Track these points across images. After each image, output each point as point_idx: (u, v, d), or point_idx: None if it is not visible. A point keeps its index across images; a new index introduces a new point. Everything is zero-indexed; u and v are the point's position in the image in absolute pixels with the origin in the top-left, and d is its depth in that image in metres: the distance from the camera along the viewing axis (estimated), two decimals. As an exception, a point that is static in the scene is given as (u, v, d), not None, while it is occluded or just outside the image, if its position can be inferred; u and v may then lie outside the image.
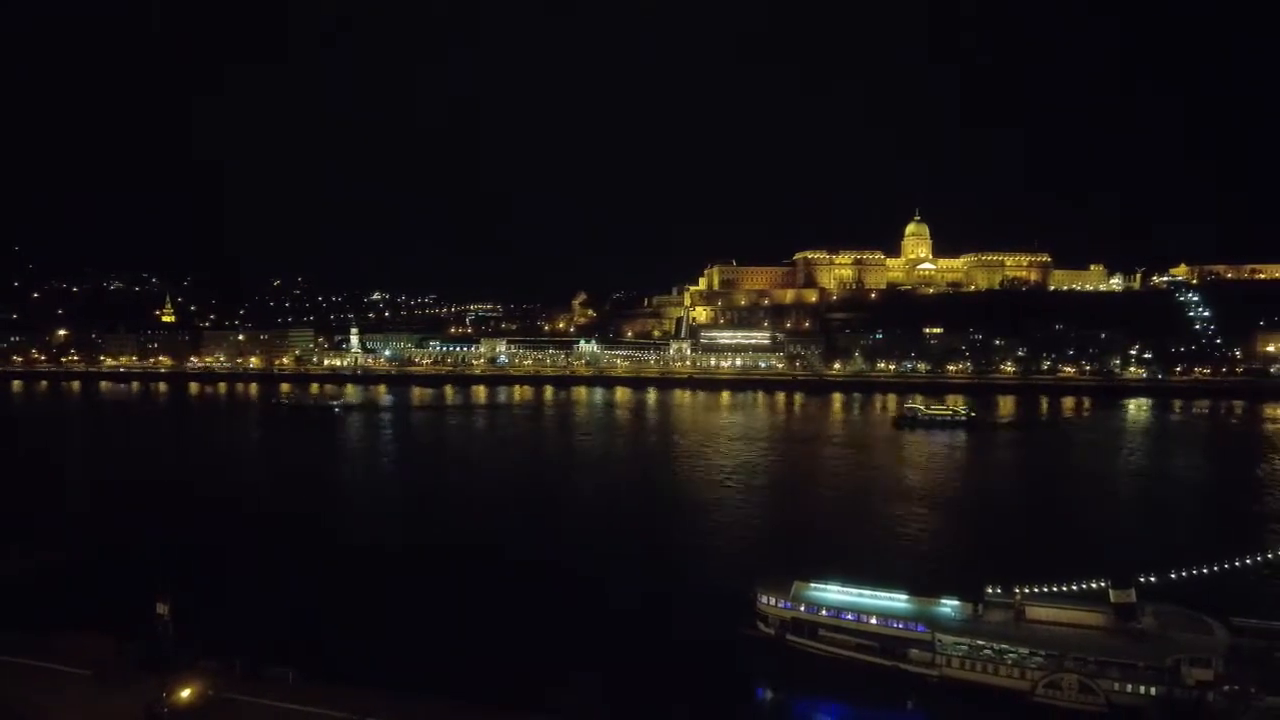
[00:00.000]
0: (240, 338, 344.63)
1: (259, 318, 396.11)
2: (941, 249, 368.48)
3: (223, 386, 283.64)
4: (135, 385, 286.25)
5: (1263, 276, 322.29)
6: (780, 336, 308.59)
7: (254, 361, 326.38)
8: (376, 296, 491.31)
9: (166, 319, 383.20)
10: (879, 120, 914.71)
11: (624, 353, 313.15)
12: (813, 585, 59.52)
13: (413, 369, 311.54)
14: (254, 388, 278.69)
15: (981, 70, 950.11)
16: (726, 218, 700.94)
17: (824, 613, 56.80)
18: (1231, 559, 54.93)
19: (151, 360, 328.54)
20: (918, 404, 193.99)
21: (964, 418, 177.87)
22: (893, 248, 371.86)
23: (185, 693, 43.99)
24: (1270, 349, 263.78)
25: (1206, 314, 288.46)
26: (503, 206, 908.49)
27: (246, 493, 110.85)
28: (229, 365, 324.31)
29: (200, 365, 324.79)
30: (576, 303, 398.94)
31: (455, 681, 49.61)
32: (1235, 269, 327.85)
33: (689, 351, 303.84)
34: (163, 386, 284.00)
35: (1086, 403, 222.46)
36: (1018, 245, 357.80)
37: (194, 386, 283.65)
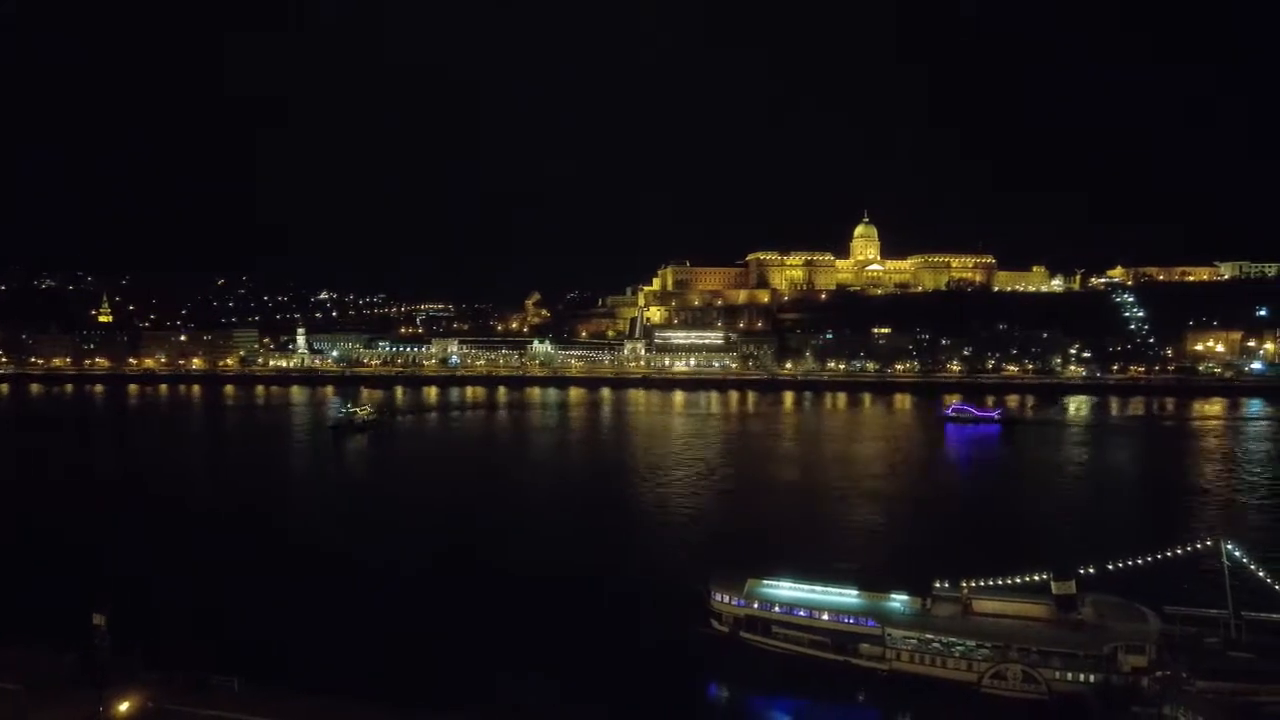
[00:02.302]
0: (182, 338, 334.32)
1: (201, 318, 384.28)
2: (891, 250, 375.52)
3: (164, 389, 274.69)
4: (69, 388, 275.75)
5: (1191, 279, 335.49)
6: (733, 336, 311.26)
7: (196, 363, 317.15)
8: (324, 296, 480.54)
9: (103, 319, 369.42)
10: (855, 120, 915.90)
11: (578, 353, 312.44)
12: (766, 582, 60.06)
13: (361, 370, 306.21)
14: (196, 389, 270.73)
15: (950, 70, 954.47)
16: (703, 218, 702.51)
17: (777, 609, 57.29)
18: (1163, 550, 57.01)
19: (88, 362, 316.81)
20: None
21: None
22: (843, 249, 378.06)
23: (123, 706, 42.42)
24: (1199, 348, 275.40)
25: (1141, 314, 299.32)
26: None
27: (187, 496, 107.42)
28: (170, 367, 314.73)
29: (140, 367, 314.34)
30: (530, 302, 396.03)
31: (408, 684, 48.90)
32: (1166, 271, 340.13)
33: (643, 351, 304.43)
34: (99, 389, 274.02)
35: (1030, 400, 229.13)
36: (964, 246, 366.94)
37: (133, 389, 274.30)
